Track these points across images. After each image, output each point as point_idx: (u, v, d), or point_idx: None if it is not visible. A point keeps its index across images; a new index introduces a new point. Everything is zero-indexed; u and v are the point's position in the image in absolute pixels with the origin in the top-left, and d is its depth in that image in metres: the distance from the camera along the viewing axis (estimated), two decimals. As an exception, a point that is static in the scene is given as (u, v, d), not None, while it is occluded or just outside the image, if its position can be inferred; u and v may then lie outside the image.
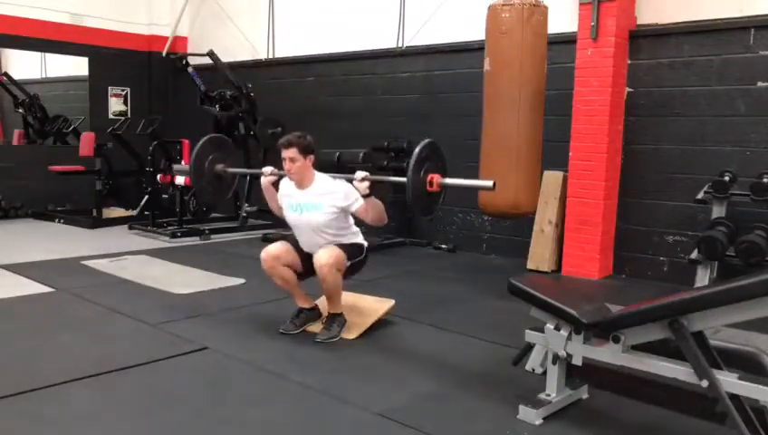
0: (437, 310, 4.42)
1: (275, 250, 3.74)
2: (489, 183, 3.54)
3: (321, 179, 3.74)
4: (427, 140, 3.61)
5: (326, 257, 3.56)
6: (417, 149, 3.52)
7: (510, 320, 3.92)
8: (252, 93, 7.63)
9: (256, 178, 4.13)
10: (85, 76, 9.05)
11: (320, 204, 3.66)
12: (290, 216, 3.81)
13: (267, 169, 3.95)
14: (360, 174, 3.56)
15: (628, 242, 5.58)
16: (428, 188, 3.55)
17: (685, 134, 5.28)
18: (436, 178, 3.55)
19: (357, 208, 3.65)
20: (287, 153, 3.64)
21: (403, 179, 3.53)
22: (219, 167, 4.44)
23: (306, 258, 3.76)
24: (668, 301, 2.48)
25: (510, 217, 5.38)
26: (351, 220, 3.82)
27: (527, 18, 4.69)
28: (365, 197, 3.57)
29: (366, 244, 3.88)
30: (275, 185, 3.92)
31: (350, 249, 3.73)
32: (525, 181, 4.89)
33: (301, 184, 3.74)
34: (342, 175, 3.77)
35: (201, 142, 4.46)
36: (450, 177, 3.65)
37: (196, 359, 3.38)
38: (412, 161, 3.48)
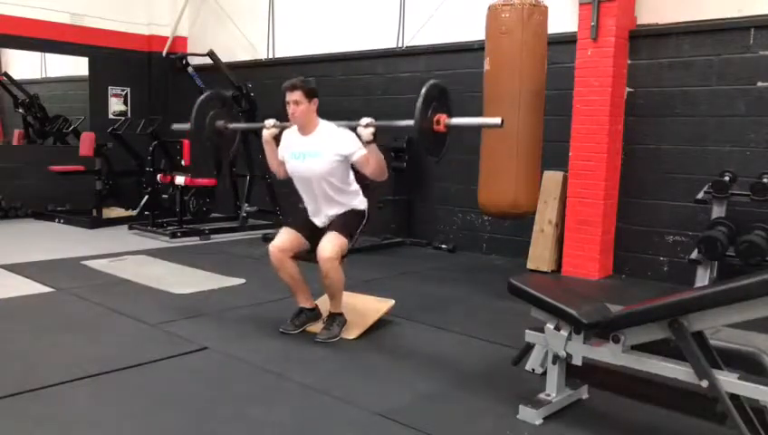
0: (437, 310, 4.42)
1: (282, 242, 3.69)
2: (497, 120, 3.50)
3: (325, 126, 3.72)
4: (432, 81, 3.56)
5: (329, 250, 3.52)
6: (423, 90, 3.46)
7: (510, 320, 3.92)
8: (252, 93, 7.63)
9: (258, 132, 4.04)
10: (85, 76, 9.05)
11: (322, 150, 3.63)
12: (292, 164, 3.76)
13: (270, 122, 3.91)
14: (364, 120, 3.52)
15: (628, 242, 5.58)
16: (435, 127, 3.52)
17: (685, 134, 5.28)
18: (443, 118, 3.52)
19: (359, 157, 3.60)
20: (291, 96, 3.61)
21: (410, 122, 3.48)
22: (220, 123, 4.41)
23: (311, 234, 3.73)
24: (668, 301, 2.48)
25: (510, 217, 5.38)
26: (352, 176, 3.78)
27: (527, 18, 4.69)
28: (368, 143, 3.52)
29: (366, 205, 3.83)
30: (276, 140, 3.88)
31: (352, 223, 3.72)
32: (525, 181, 4.89)
33: (304, 129, 3.71)
34: (347, 123, 3.73)
35: (202, 97, 4.40)
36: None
37: (196, 359, 3.38)
38: (419, 102, 3.42)
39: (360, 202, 3.82)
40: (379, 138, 3.56)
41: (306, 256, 3.77)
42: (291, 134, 3.82)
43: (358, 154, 3.60)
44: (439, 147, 3.68)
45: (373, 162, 3.58)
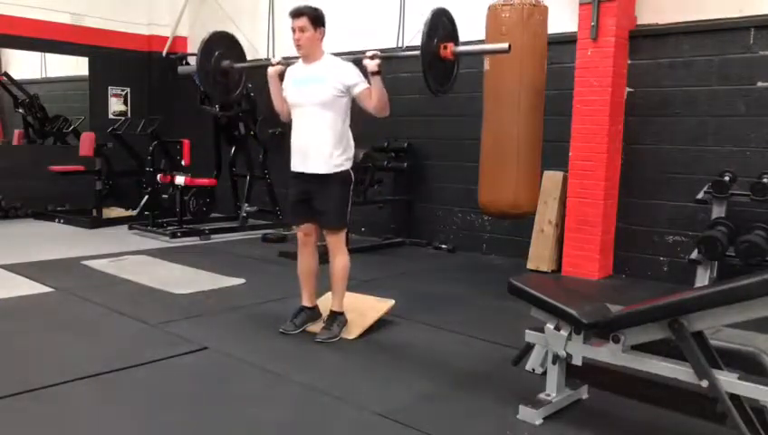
0: (437, 310, 4.42)
1: (306, 228, 3.77)
2: (504, 45, 3.47)
3: (331, 57, 3.68)
4: (439, 7, 3.53)
5: (333, 240, 3.67)
6: (429, 16, 3.43)
7: (510, 320, 3.92)
8: (252, 93, 7.62)
9: (262, 68, 4.00)
10: (85, 76, 9.05)
11: (325, 77, 3.57)
12: (293, 93, 3.69)
13: (276, 59, 3.89)
14: (370, 52, 3.50)
15: (628, 242, 5.58)
16: (442, 52, 3.48)
17: (685, 134, 5.28)
18: (450, 45, 3.49)
19: (361, 90, 3.54)
20: (297, 23, 3.57)
21: (416, 53, 3.45)
22: (226, 62, 4.37)
23: (309, 207, 3.72)
24: (668, 301, 2.48)
25: (510, 217, 5.38)
26: (350, 134, 3.71)
27: (527, 18, 4.69)
28: (374, 74, 3.47)
29: (351, 162, 3.72)
30: (281, 77, 3.83)
31: (342, 203, 3.67)
32: (525, 181, 4.89)
33: (308, 59, 3.66)
34: (352, 56, 3.69)
35: (209, 36, 4.35)
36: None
37: (196, 359, 3.38)
38: (425, 29, 3.39)
39: (347, 159, 3.68)
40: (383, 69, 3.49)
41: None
42: (295, 67, 3.78)
43: (360, 87, 3.55)
44: (447, 76, 3.62)
45: (376, 96, 3.51)
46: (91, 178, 7.97)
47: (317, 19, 3.60)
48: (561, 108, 5.58)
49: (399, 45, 7.08)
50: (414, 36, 6.93)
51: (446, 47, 3.47)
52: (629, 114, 5.52)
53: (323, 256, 3.84)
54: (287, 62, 3.85)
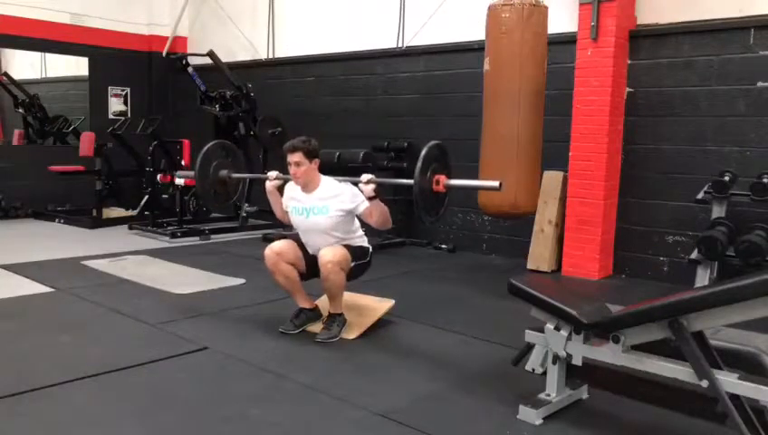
0: (437, 310, 4.42)
1: (279, 247, 3.73)
2: (495, 183, 3.53)
3: (327, 183, 3.76)
4: (433, 142, 3.61)
5: (331, 255, 3.57)
6: (423, 151, 3.51)
7: (510, 320, 3.92)
8: (252, 93, 7.63)
9: (261, 182, 4.13)
10: (85, 76, 9.06)
11: (326, 207, 3.67)
12: (296, 219, 3.82)
13: (272, 174, 3.96)
14: (365, 177, 3.57)
15: (628, 242, 5.58)
16: (435, 187, 3.55)
17: (685, 134, 5.28)
18: (443, 178, 3.55)
19: (362, 211, 3.65)
20: (292, 157, 3.66)
21: (410, 181, 3.52)
22: (224, 172, 4.43)
23: (310, 261, 3.75)
24: (668, 301, 2.48)
25: (510, 217, 5.38)
26: (357, 223, 3.83)
27: (527, 18, 4.70)
28: (370, 199, 3.57)
29: (370, 248, 3.90)
30: (280, 189, 3.93)
31: (356, 251, 3.74)
32: (525, 181, 4.89)
33: (307, 188, 3.75)
34: (348, 178, 3.77)
35: (207, 148, 4.41)
36: (451, 177, 3.65)
37: (196, 359, 3.38)
38: (419, 163, 3.47)
39: (364, 242, 3.86)
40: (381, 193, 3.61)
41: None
42: (294, 187, 3.83)
43: (361, 208, 3.65)
44: (439, 206, 3.72)
45: (376, 215, 3.62)
46: (91, 178, 7.98)
47: (310, 152, 3.68)
48: (561, 108, 5.58)
49: (399, 45, 7.09)
50: (414, 36, 6.94)
51: (438, 181, 3.53)
52: (629, 114, 5.52)
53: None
54: (284, 177, 3.92)
